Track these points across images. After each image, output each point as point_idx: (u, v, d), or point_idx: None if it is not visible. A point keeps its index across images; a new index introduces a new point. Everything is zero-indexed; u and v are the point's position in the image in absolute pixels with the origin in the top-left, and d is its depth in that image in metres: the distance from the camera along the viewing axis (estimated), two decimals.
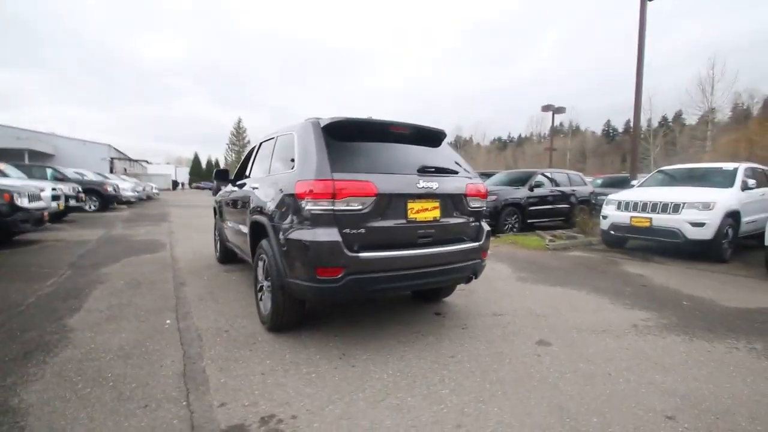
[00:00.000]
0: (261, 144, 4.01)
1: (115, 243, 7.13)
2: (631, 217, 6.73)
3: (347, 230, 2.47)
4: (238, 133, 73.20)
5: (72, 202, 10.26)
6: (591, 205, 10.76)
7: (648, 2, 9.35)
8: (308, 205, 2.46)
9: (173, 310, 3.49)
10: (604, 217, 7.29)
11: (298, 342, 2.84)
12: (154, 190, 25.91)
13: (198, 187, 68.49)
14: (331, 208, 2.43)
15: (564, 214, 10.39)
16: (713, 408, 2.12)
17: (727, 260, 6.24)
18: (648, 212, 6.56)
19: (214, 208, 5.73)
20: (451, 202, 2.93)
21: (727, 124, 42.12)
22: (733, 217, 6.28)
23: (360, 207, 2.50)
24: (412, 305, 3.75)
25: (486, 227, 3.17)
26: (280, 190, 2.75)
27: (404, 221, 2.68)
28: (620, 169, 49.10)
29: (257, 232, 3.27)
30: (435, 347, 2.81)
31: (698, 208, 6.12)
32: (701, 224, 6.05)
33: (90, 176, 14.54)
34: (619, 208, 7.03)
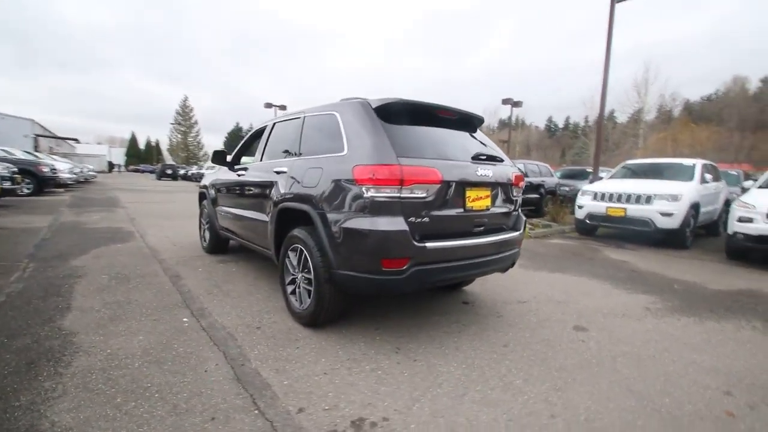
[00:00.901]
0: (275, 125, 3.68)
1: (72, 231, 6.32)
2: (607, 207, 7.16)
3: (412, 219, 2.32)
4: (185, 112, 67.97)
5: (6, 185, 8.93)
6: (557, 196, 11.36)
7: (616, 3, 9.86)
8: (370, 192, 2.28)
9: (183, 306, 3.13)
10: (580, 207, 7.69)
11: (343, 337, 2.67)
12: (91, 173, 23.43)
13: (136, 170, 63.11)
14: (397, 195, 2.27)
15: (534, 203, 10.86)
16: (757, 382, 2.29)
17: (689, 247, 6.87)
18: (623, 203, 7.02)
19: (202, 194, 5.24)
20: (501, 191, 2.88)
21: (653, 123, 46.46)
22: (695, 208, 6.90)
23: (424, 195, 2.37)
24: (438, 295, 3.69)
25: (523, 216, 3.17)
26: (329, 175, 2.52)
27: (462, 210, 2.58)
28: (560, 162, 52.53)
29: (285, 220, 3.01)
30: (482, 337, 2.78)
31: (667, 200, 6.65)
32: (670, 214, 6.58)
33: (19, 155, 12.76)
34: (595, 198, 7.45)
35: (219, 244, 4.96)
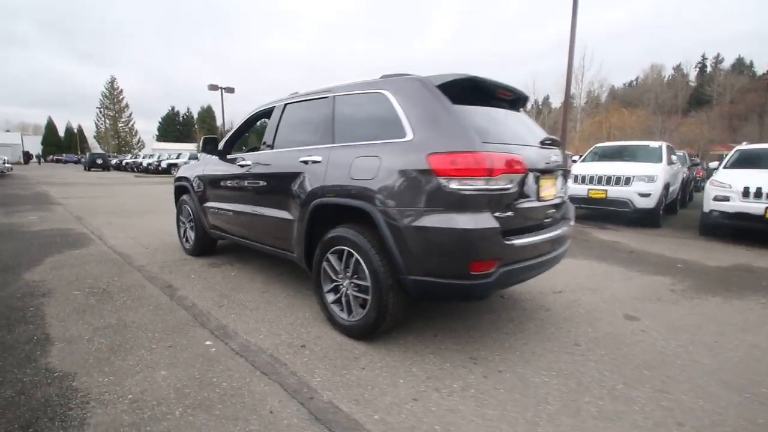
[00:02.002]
0: (287, 106, 3.16)
1: (8, 237, 5.27)
2: (589, 189, 7.36)
3: (497, 214, 2.03)
4: (112, 95, 61.24)
5: None
6: None
7: None
8: (453, 185, 1.94)
9: (197, 324, 2.62)
10: None
11: (405, 348, 2.35)
12: (7, 165, 20.39)
13: (58, 160, 56.15)
14: (485, 187, 1.96)
15: None
16: None
17: (661, 226, 7.28)
18: (603, 185, 7.25)
19: (180, 188, 4.53)
20: (562, 179, 2.67)
21: (583, 108, 49.78)
22: (666, 188, 7.31)
23: (509, 186, 2.08)
24: None
25: (572, 204, 3.01)
26: (391, 165, 2.14)
27: (537, 201, 2.33)
28: None
29: (321, 219, 2.59)
30: (547, 335, 2.59)
31: (645, 181, 6.95)
32: (647, 194, 6.90)
33: None
34: (576, 181, 7.63)
35: (207, 245, 4.35)
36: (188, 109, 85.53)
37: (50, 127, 76.81)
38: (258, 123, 3.83)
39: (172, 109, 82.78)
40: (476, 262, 1.95)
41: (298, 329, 2.59)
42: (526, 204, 2.23)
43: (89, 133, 69.94)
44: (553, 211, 2.56)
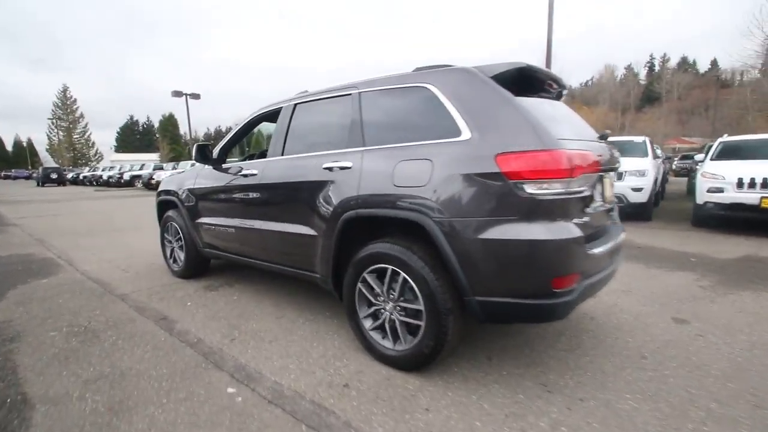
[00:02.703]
0: (297, 107, 2.79)
1: None
2: None
3: (576, 221, 1.77)
4: (65, 105, 57.44)
5: None
6: None
7: None
8: (529, 189, 1.67)
9: (210, 366, 2.21)
10: None
11: (464, 378, 2.05)
12: None
13: (6, 176, 52.10)
14: (565, 190, 1.70)
15: None
16: None
17: (651, 219, 7.37)
18: None
19: (165, 203, 4.04)
20: (615, 177, 2.46)
21: None
22: (655, 182, 7.41)
23: (586, 187, 1.83)
24: None
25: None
26: (447, 168, 1.83)
27: (602, 203, 2.10)
28: None
29: (355, 233, 2.26)
30: (607, 349, 2.37)
31: (636, 175, 7.01)
32: (640, 189, 6.96)
33: None
34: None
35: (199, 266, 3.89)
36: (148, 117, 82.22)
37: None
38: (256, 128, 3.43)
39: (131, 118, 79.17)
40: (560, 278, 1.68)
41: (333, 363, 2.23)
42: (596, 207, 1.99)
43: (41, 146, 65.48)
44: (612, 213, 2.34)
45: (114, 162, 48.51)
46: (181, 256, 3.90)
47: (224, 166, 3.34)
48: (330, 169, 2.34)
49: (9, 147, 73.37)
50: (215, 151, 3.38)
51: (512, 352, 2.32)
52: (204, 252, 3.64)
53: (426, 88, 2.06)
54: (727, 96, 39.62)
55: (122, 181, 24.47)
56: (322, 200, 2.36)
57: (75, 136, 58.08)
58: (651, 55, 69.42)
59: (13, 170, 53.40)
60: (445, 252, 1.83)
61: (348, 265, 2.28)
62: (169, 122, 71.50)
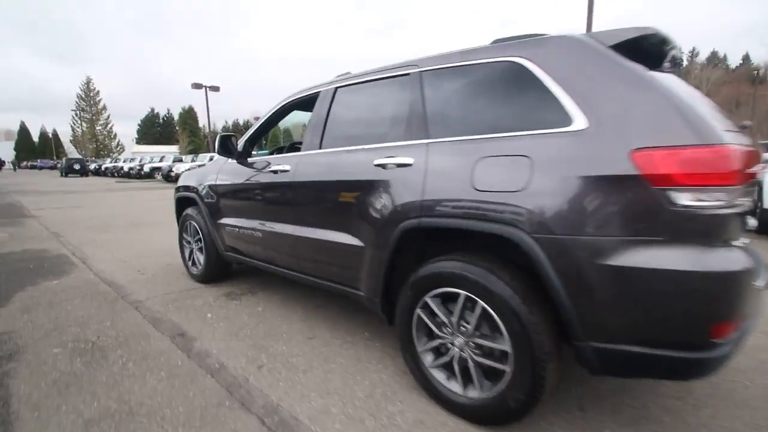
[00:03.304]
0: (338, 90, 2.36)
1: None
2: None
3: (740, 244, 1.29)
4: (89, 97, 58.57)
5: None
6: None
7: None
8: (684, 198, 1.20)
9: (235, 404, 1.82)
10: None
11: (563, 428, 1.60)
12: None
13: (32, 166, 53.63)
14: (730, 202, 1.22)
15: None
16: None
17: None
18: None
19: (184, 200, 3.68)
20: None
21: None
22: None
23: (746, 198, 1.35)
24: None
25: None
26: (556, 168, 1.37)
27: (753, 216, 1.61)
28: None
29: (414, 247, 1.83)
30: (726, 396, 1.88)
31: None
32: None
33: None
34: None
35: (220, 270, 3.52)
36: (168, 110, 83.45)
37: (23, 132, 73.74)
38: (286, 116, 3.02)
39: (152, 110, 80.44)
40: (722, 324, 1.21)
41: (385, 407, 1.81)
42: (750, 221, 1.50)
43: (65, 137, 67.10)
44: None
45: (135, 153, 49.34)
46: (200, 258, 3.54)
47: (250, 160, 2.94)
48: (383, 166, 1.90)
49: (35, 138, 75.47)
50: (240, 144, 2.98)
51: (610, 402, 1.85)
52: (226, 256, 3.26)
53: (517, 63, 1.59)
54: (764, 92, 37.63)
55: (142, 172, 24.63)
56: (371, 204, 1.92)
57: (98, 128, 59.24)
58: (680, 50, 66.59)
59: (39, 160, 54.90)
60: (548, 280, 1.37)
61: (403, 285, 1.85)
62: (189, 115, 72.40)
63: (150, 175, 24.04)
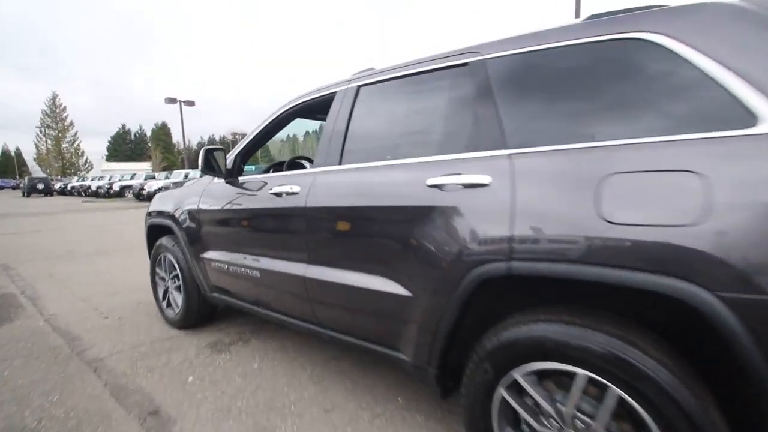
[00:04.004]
0: (360, 90, 1.83)
1: None
2: None
3: None
4: (54, 113, 55.93)
5: None
6: None
7: None
8: None
9: None
10: None
11: None
12: None
13: None
14: None
15: None
16: None
17: None
18: None
19: (157, 227, 3.05)
20: None
21: None
22: None
23: None
24: None
25: None
26: (748, 188, 0.89)
27: None
28: None
29: (489, 300, 1.30)
30: None
31: None
32: None
33: None
34: None
35: (203, 313, 2.89)
36: (141, 126, 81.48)
37: None
38: (286, 125, 2.47)
39: (123, 127, 78.06)
40: None
41: None
42: None
43: (29, 155, 63.76)
44: None
45: (105, 171, 47.34)
46: (178, 299, 2.91)
47: (241, 179, 2.37)
48: (440, 187, 1.38)
49: None
50: (229, 159, 2.41)
51: None
52: (211, 297, 2.65)
53: (646, 41, 1.12)
54: None
55: (112, 191, 23.37)
56: (425, 241, 1.39)
57: (64, 145, 56.57)
58: None
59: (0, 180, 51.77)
60: (746, 361, 0.87)
61: (472, 351, 1.32)
62: (162, 131, 70.50)
63: (120, 194, 22.81)
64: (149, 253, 3.22)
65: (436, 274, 1.37)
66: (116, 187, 23.32)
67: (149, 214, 3.14)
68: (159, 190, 16.43)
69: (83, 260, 5.62)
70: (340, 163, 1.81)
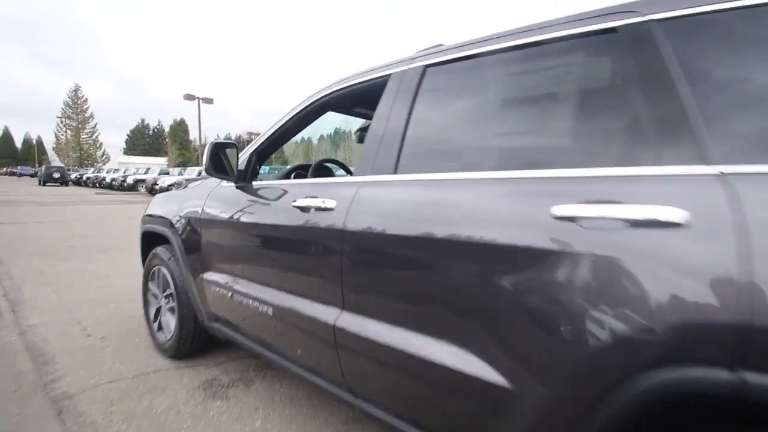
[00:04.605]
0: (427, 71, 1.32)
1: None
2: None
3: None
4: (76, 104, 56.94)
5: None
6: None
7: None
8: None
9: None
10: None
11: None
12: None
13: (12, 173, 51.30)
14: None
15: None
16: None
17: None
18: None
19: (151, 235, 2.57)
20: None
21: None
22: None
23: None
24: None
25: None
26: None
27: None
28: None
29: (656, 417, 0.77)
30: None
31: None
32: None
33: None
34: None
35: (198, 343, 2.38)
36: (159, 122, 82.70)
37: (6, 137, 71.66)
38: (316, 119, 1.97)
39: (142, 121, 79.24)
40: None
41: None
42: None
43: (49, 144, 64.93)
44: None
45: (122, 164, 47.83)
46: (170, 323, 2.42)
47: (256, 185, 1.87)
48: (576, 221, 0.85)
49: (18, 144, 73.09)
50: (242, 158, 1.92)
51: None
52: (210, 327, 2.15)
53: None
54: None
55: (125, 184, 23.31)
56: (546, 304, 0.87)
57: (83, 136, 57.45)
58: None
59: (18, 167, 52.71)
60: None
61: None
62: (180, 127, 71.34)
63: (133, 187, 22.72)
64: (143, 263, 2.75)
65: (565, 364, 0.83)
66: (130, 180, 23.25)
67: (145, 218, 2.67)
68: (172, 185, 16.20)
69: (82, 258, 5.21)
70: (395, 172, 1.30)
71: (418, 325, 1.13)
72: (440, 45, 1.42)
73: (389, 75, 1.45)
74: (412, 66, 1.39)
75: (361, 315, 1.28)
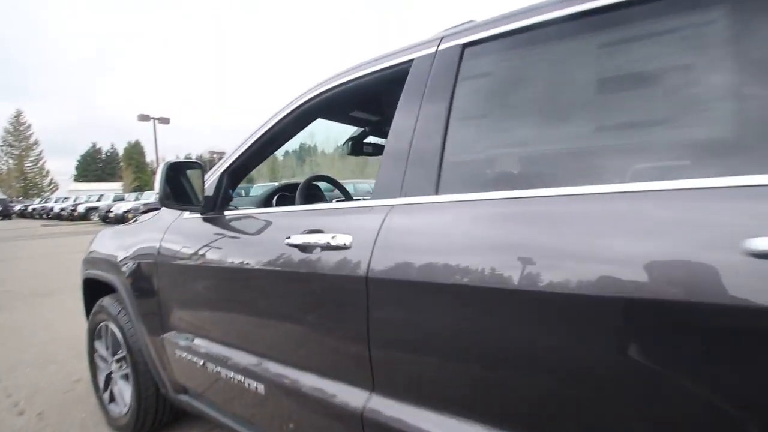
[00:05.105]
0: (465, 50, 0.95)
1: None
2: None
3: None
4: (18, 131, 52.90)
5: None
6: None
7: None
8: None
9: None
10: None
11: None
12: None
13: None
14: None
15: None
16: None
17: None
18: None
19: (93, 283, 2.05)
20: None
21: None
22: None
23: None
24: None
25: None
26: None
27: None
28: None
29: None
30: None
31: None
32: None
33: None
34: None
35: (163, 418, 1.88)
36: (113, 145, 78.70)
37: None
38: (303, 129, 1.58)
39: (94, 145, 74.91)
40: None
41: None
42: None
43: None
44: None
45: (72, 192, 44.82)
46: (125, 393, 1.90)
47: (229, 215, 1.45)
48: None
49: None
50: (210, 181, 1.49)
51: None
52: (176, 400, 1.66)
53: None
54: None
55: (76, 214, 21.57)
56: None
57: (27, 165, 53.38)
58: None
59: None
60: None
61: None
62: (135, 150, 67.96)
63: (85, 216, 21.05)
64: (86, 316, 2.21)
65: None
66: (81, 209, 21.54)
67: (87, 259, 2.15)
68: (128, 212, 15.04)
69: (19, 306, 4.45)
70: (437, 192, 0.92)
71: (493, 417, 0.75)
72: (471, 21, 1.07)
73: (410, 61, 1.07)
74: (442, 48, 1.02)
75: (402, 401, 0.88)
